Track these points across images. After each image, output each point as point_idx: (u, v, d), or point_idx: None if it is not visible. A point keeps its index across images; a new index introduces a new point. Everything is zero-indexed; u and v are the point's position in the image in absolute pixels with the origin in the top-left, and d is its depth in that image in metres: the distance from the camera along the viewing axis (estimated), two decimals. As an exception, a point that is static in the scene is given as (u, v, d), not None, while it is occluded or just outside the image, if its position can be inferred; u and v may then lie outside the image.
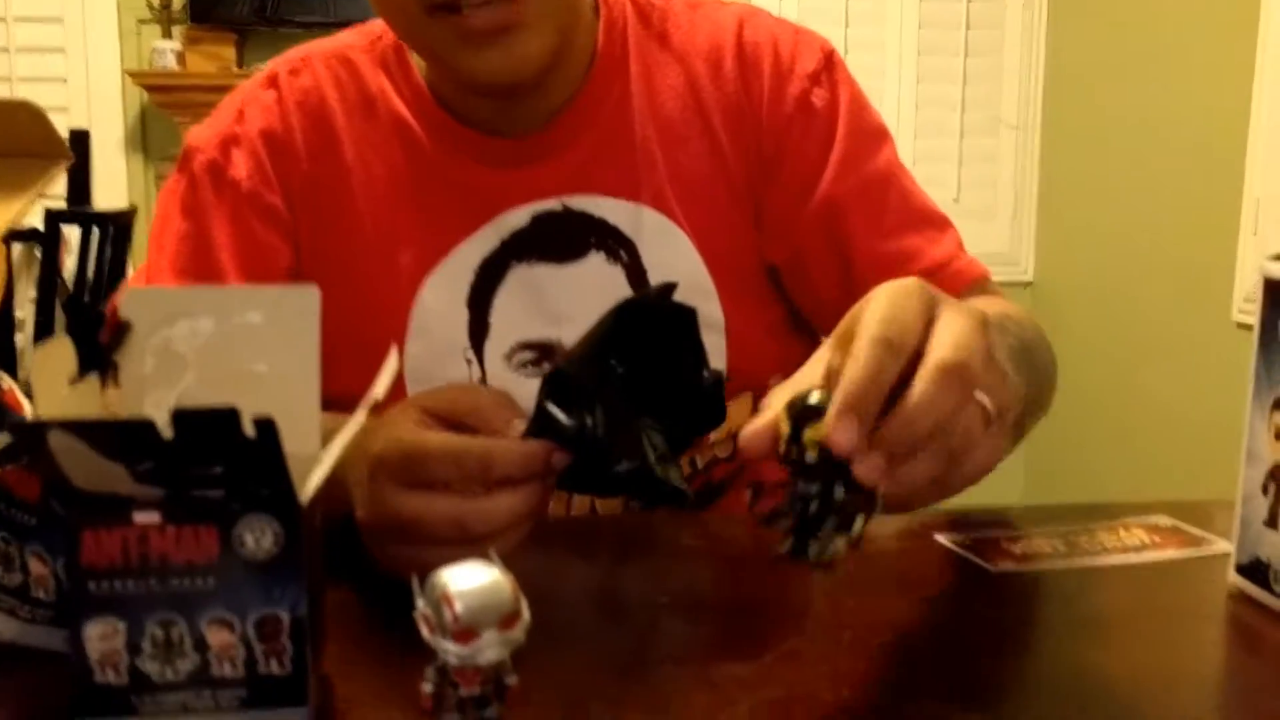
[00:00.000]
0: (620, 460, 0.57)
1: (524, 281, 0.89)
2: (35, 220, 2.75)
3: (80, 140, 2.88)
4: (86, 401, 0.49)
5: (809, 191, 0.90)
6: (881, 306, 0.51)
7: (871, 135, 0.93)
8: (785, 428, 0.49)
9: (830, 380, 0.51)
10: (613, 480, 0.59)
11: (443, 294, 0.88)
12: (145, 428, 0.40)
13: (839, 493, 0.48)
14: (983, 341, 0.51)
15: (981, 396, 0.51)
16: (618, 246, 0.90)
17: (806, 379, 0.53)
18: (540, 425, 0.58)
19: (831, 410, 0.47)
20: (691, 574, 0.70)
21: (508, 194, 0.89)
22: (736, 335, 0.91)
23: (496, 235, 0.89)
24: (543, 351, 0.92)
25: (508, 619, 0.46)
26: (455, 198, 0.89)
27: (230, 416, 0.40)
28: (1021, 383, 0.68)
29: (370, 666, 0.55)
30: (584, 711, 0.51)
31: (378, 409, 0.53)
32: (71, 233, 2.85)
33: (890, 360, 0.48)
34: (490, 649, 0.46)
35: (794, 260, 0.92)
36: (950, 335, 0.50)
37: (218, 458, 0.42)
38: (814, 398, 0.49)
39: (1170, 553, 0.72)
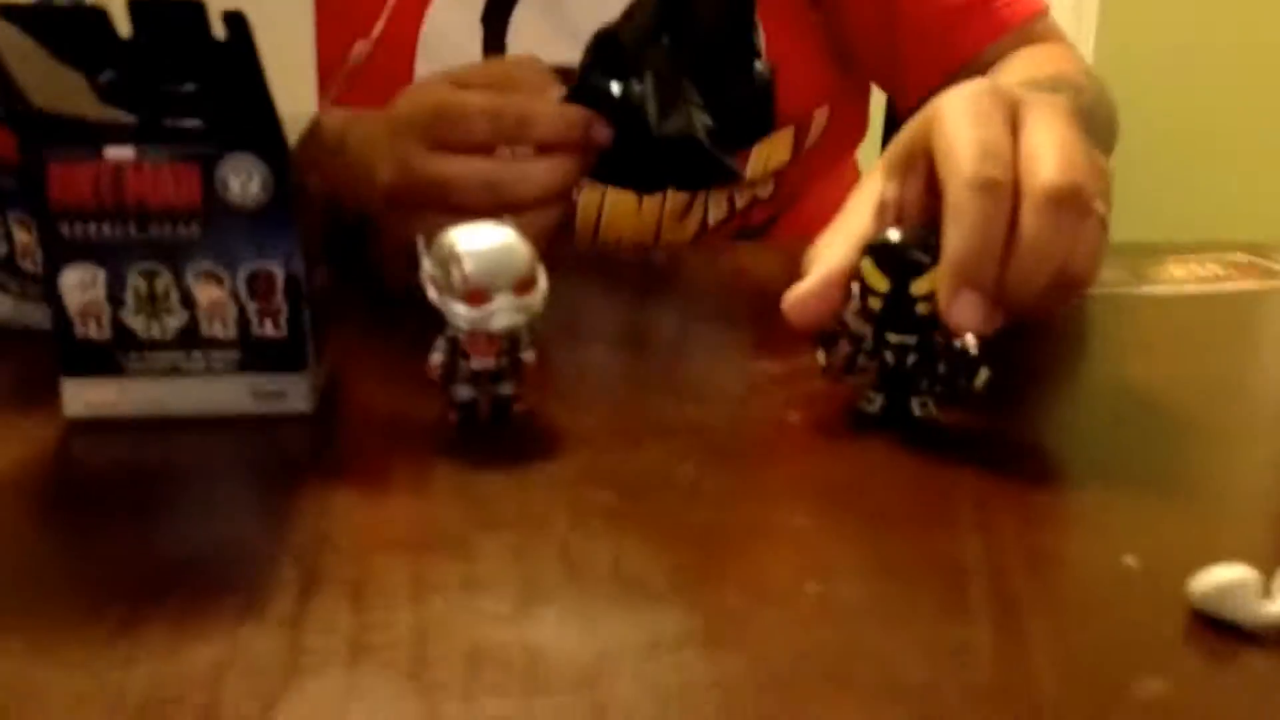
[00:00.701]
0: (666, 128, 0.52)
1: None
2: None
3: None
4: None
5: None
6: (965, 130, 0.42)
7: None
8: (880, 282, 0.42)
9: (885, 214, 0.45)
10: (656, 154, 0.54)
11: (454, 11, 0.81)
12: (100, 20, 0.34)
13: (940, 341, 0.42)
14: (1083, 144, 0.43)
15: (1098, 205, 0.43)
16: None
17: (856, 220, 0.45)
18: (583, 90, 0.53)
19: (944, 285, 0.40)
20: (723, 296, 0.66)
21: None
22: (777, 58, 0.84)
23: None
24: (566, 78, 0.86)
25: (523, 283, 0.42)
26: None
27: (195, 9, 0.34)
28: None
29: (378, 347, 0.51)
30: (608, 391, 0.48)
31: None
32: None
33: (997, 208, 0.40)
34: (503, 314, 0.42)
35: None
36: (1051, 150, 0.42)
37: (189, 68, 0.37)
38: (895, 236, 0.42)
39: (1245, 285, 0.67)
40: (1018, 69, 0.80)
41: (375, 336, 0.52)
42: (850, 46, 0.88)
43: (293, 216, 0.42)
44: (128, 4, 0.34)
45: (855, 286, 0.43)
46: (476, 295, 0.41)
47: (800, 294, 0.44)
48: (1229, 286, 0.66)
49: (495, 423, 0.44)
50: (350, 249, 0.62)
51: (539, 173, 0.54)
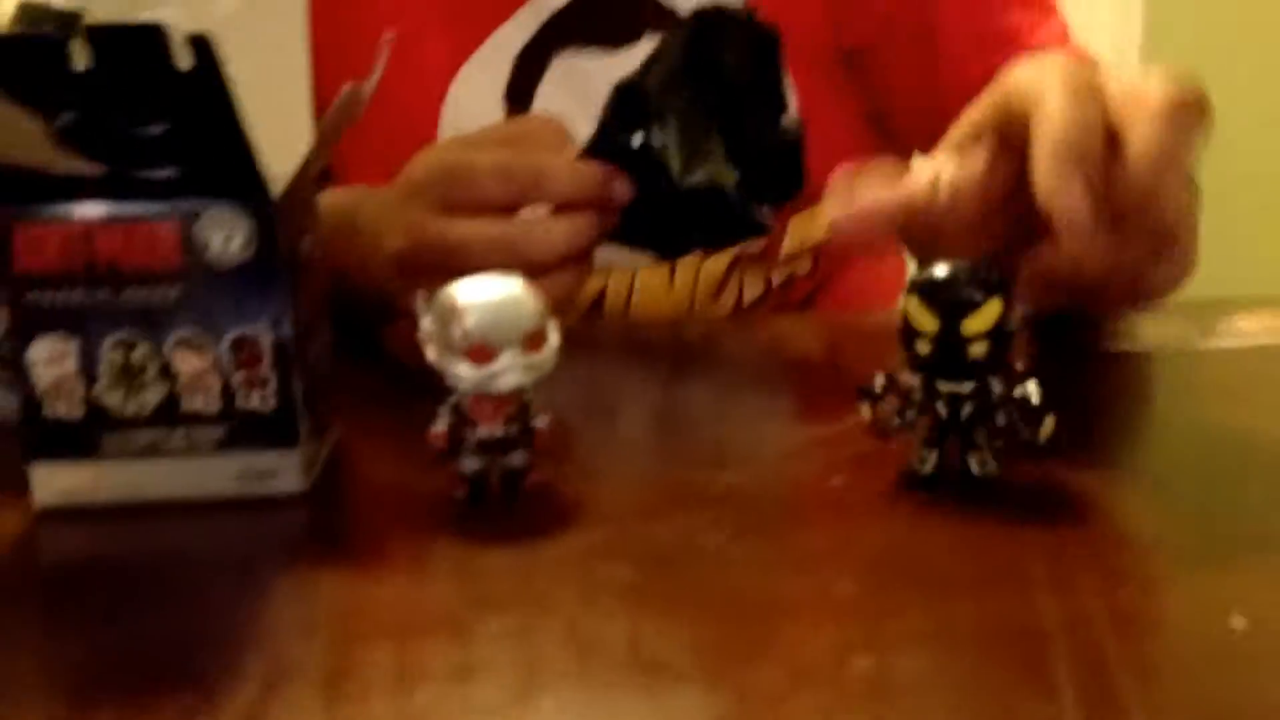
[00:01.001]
0: (690, 180, 0.49)
1: (569, 72, 0.80)
2: None
3: None
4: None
5: None
6: (1040, 71, 0.41)
7: None
8: (928, 322, 0.37)
9: (937, 192, 0.42)
10: (680, 208, 0.50)
11: (477, 89, 0.78)
12: (56, 51, 0.32)
13: (997, 388, 0.37)
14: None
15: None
16: (675, 29, 0.80)
17: (910, 183, 0.44)
18: (602, 144, 0.51)
19: (1043, 166, 0.37)
20: (760, 365, 0.61)
21: None
22: (814, 134, 0.80)
23: (535, 18, 0.78)
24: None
25: (531, 339, 0.38)
26: None
27: (156, 33, 0.31)
28: None
29: (386, 423, 0.47)
30: (633, 462, 0.43)
31: None
32: None
33: (1093, 106, 0.38)
34: (511, 373, 0.38)
35: (873, 42, 0.80)
36: (1151, 81, 0.40)
37: (154, 103, 0.34)
38: (943, 270, 0.37)
39: None
40: None
41: (384, 412, 0.49)
42: (889, 107, 0.84)
43: (280, 274, 0.38)
44: (85, 30, 0.31)
45: (899, 331, 0.39)
46: (480, 352, 0.37)
47: (850, 216, 0.44)
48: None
49: (506, 497, 0.39)
50: (363, 329, 0.59)
51: (556, 232, 0.51)
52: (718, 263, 0.79)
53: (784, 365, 0.61)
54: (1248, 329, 0.64)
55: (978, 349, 0.37)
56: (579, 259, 0.53)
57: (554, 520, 0.38)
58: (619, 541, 0.36)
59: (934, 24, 0.78)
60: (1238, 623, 0.29)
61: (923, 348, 0.38)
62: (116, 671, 0.29)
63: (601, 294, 0.77)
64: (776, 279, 0.85)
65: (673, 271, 0.78)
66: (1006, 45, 0.76)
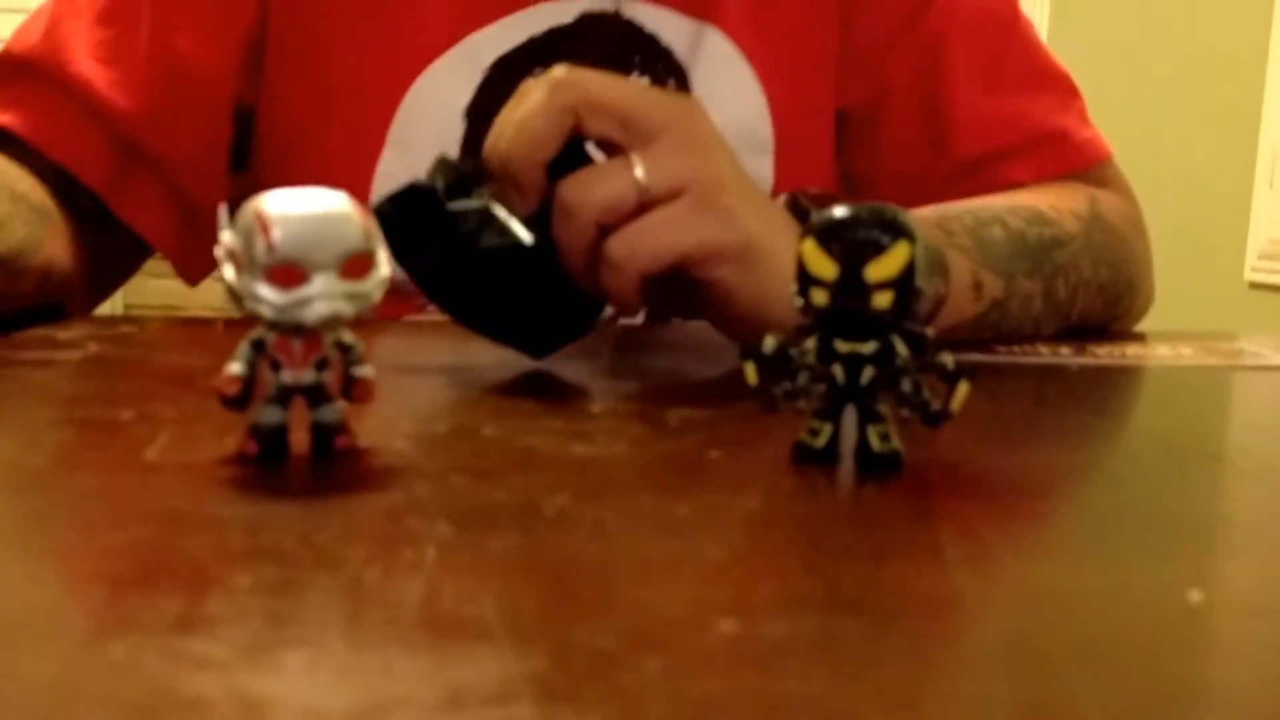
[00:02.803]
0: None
1: None
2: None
3: None
4: None
5: (914, 18, 0.72)
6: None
7: None
8: (826, 267, 0.31)
9: None
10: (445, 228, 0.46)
11: (439, 96, 0.69)
12: None
13: (902, 351, 0.31)
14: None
15: (639, 170, 0.44)
16: (666, 73, 0.72)
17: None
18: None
19: None
20: (629, 354, 0.55)
21: None
22: (786, 186, 0.73)
23: (525, 29, 0.69)
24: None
25: (352, 263, 0.31)
26: None
27: None
28: (972, 269, 0.57)
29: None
30: (475, 430, 0.36)
31: None
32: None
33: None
34: (323, 301, 0.31)
35: (871, 105, 0.74)
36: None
37: None
38: (844, 212, 0.32)
39: (1211, 361, 0.57)
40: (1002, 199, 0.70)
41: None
42: (869, 170, 0.76)
43: None
44: None
45: (793, 285, 0.33)
46: (286, 273, 0.31)
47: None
48: (1191, 362, 0.57)
49: (315, 460, 0.32)
50: None
51: None
52: None
53: (680, 358, 0.55)
54: (1129, 353, 0.59)
55: (881, 299, 0.31)
56: None
57: (364, 478, 0.31)
58: (436, 499, 0.29)
59: (941, 94, 0.73)
60: (1195, 596, 0.23)
61: (819, 297, 0.32)
62: None
63: None
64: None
65: None
66: (1014, 126, 0.72)
